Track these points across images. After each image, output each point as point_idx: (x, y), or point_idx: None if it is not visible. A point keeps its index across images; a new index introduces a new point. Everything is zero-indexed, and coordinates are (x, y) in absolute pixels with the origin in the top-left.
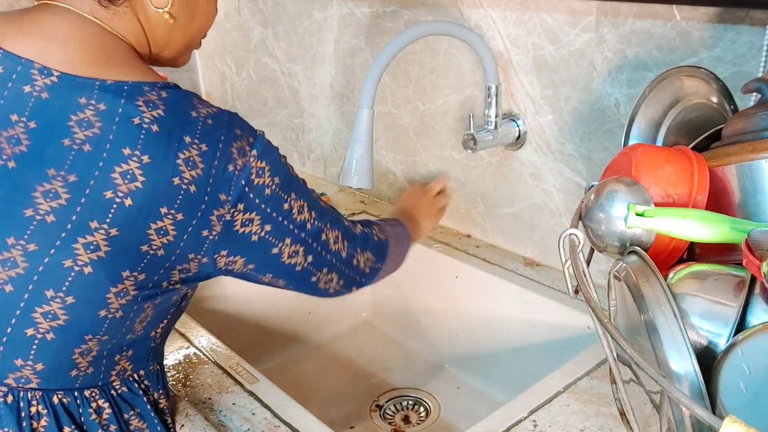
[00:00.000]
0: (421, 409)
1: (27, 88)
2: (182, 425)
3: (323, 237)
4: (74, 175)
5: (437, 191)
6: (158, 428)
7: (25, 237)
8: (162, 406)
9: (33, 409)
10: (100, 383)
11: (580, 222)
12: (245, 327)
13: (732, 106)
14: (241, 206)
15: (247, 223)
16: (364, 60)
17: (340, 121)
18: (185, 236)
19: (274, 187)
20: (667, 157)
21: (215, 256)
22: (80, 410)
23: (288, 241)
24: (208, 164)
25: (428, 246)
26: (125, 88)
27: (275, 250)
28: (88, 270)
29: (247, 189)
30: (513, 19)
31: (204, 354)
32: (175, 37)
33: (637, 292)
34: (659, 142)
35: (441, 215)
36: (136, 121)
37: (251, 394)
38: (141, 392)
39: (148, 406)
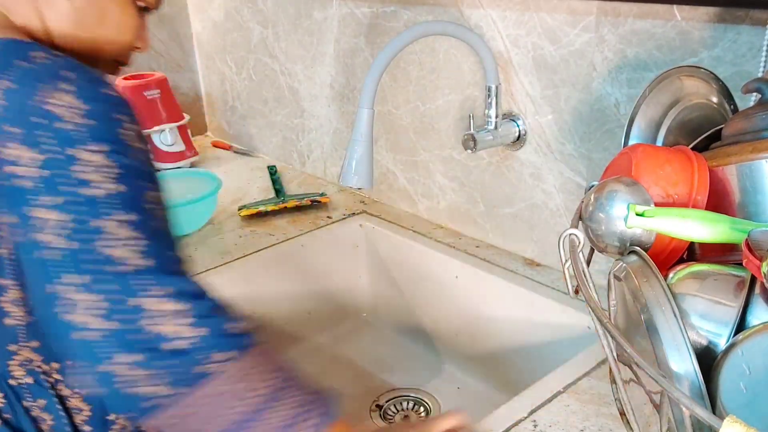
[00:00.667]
0: (421, 409)
1: None
2: None
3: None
4: None
5: None
6: (63, 420)
7: None
8: (71, 404)
9: None
10: None
11: (580, 222)
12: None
13: (732, 106)
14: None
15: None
16: (364, 60)
17: (340, 121)
18: None
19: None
20: (667, 157)
21: None
22: None
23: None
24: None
25: (428, 246)
26: None
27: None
28: None
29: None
30: (513, 19)
31: None
32: (77, 35)
33: (637, 292)
34: (659, 142)
35: None
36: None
37: None
38: (50, 384)
39: (55, 399)
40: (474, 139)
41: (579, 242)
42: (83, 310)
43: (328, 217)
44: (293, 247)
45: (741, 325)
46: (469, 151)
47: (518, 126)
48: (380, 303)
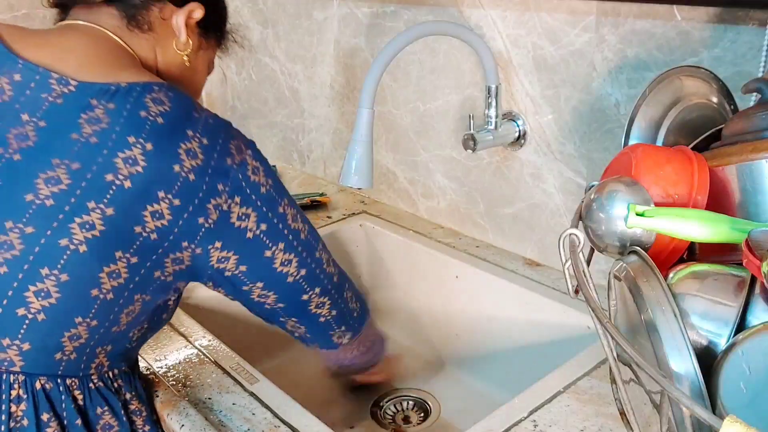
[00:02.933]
0: (421, 409)
1: (44, 95)
2: (182, 425)
3: (317, 254)
4: (78, 163)
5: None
6: (127, 427)
7: (23, 220)
8: (132, 407)
9: (14, 393)
10: (80, 374)
11: (580, 222)
12: (245, 327)
13: (732, 106)
14: (238, 199)
15: (243, 217)
16: (364, 60)
17: (340, 121)
18: (180, 222)
19: (268, 187)
20: (667, 157)
21: (209, 246)
22: (62, 397)
23: (282, 245)
24: (207, 156)
25: (428, 246)
26: (137, 88)
27: (268, 253)
28: (83, 248)
29: (243, 183)
30: (513, 19)
31: (204, 354)
32: (181, 84)
33: (637, 292)
34: (659, 142)
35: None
36: (143, 114)
37: (251, 394)
38: (114, 390)
39: (120, 405)
40: (474, 139)
41: (579, 242)
42: (317, 307)
43: (328, 217)
44: None
45: (741, 325)
46: (469, 151)
47: (518, 126)
48: (380, 303)
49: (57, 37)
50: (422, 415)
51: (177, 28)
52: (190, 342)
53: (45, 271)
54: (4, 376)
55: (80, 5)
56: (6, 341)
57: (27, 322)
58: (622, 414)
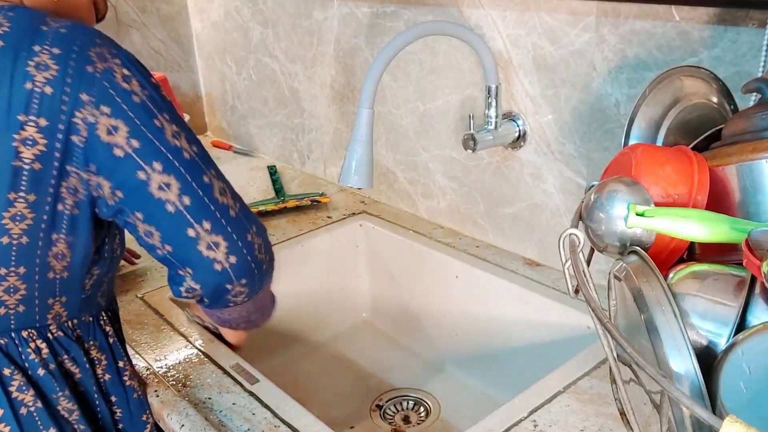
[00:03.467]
0: (421, 409)
1: None
2: (182, 425)
3: (205, 179)
4: None
5: None
6: (89, 373)
7: None
8: (92, 356)
9: None
10: (37, 324)
11: (580, 222)
12: None
13: (732, 106)
14: (106, 109)
15: (112, 130)
16: (364, 60)
17: (340, 121)
18: (57, 143)
19: (143, 96)
20: (667, 157)
21: (85, 169)
22: (19, 350)
23: (158, 165)
24: (62, 65)
25: (428, 246)
26: None
27: (142, 175)
28: None
29: (111, 91)
30: (513, 19)
31: (204, 354)
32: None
33: (637, 292)
34: (659, 142)
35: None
36: None
37: (251, 394)
38: (74, 338)
39: (82, 352)
40: (474, 139)
41: (579, 242)
42: (209, 249)
43: (328, 217)
44: (293, 247)
45: (741, 325)
46: (469, 151)
47: (518, 126)
48: (380, 303)
49: None
50: (422, 415)
51: None
52: (190, 342)
53: None
54: None
55: None
56: None
57: None
58: (622, 414)
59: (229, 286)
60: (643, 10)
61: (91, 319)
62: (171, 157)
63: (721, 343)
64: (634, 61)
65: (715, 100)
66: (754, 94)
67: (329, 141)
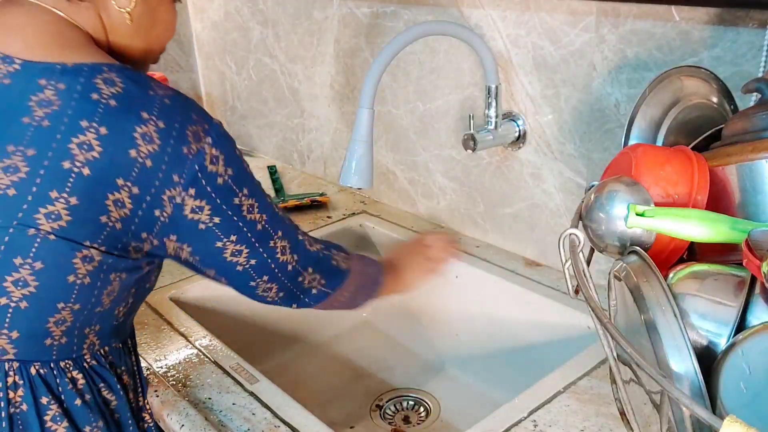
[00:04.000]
0: (421, 409)
1: None
2: (182, 425)
3: (271, 243)
4: (33, 149)
5: (435, 247)
6: (123, 400)
7: None
8: (125, 381)
9: (10, 380)
10: (74, 355)
11: (580, 222)
12: (245, 327)
13: (732, 106)
14: (192, 191)
15: (197, 210)
16: (364, 60)
17: (340, 121)
18: (139, 212)
19: (227, 177)
20: (667, 157)
21: (164, 239)
22: (57, 380)
23: (234, 238)
24: (164, 141)
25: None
26: (84, 69)
27: (219, 244)
28: (52, 237)
29: (199, 174)
30: (513, 19)
31: (204, 354)
32: (135, 43)
33: (637, 292)
34: (659, 142)
35: (430, 274)
36: (95, 96)
37: (251, 394)
38: (108, 366)
39: (115, 379)
40: (474, 139)
41: (579, 242)
42: (264, 291)
43: (328, 217)
44: None
45: (741, 325)
46: (469, 151)
47: (518, 126)
48: (380, 303)
49: None
50: (422, 415)
51: None
52: (190, 342)
53: (18, 260)
54: None
55: None
56: None
57: (10, 310)
58: (622, 414)
59: (281, 306)
60: (643, 10)
61: (120, 345)
62: (246, 230)
63: (721, 343)
64: (634, 61)
65: (715, 100)
66: (754, 94)
67: (329, 141)
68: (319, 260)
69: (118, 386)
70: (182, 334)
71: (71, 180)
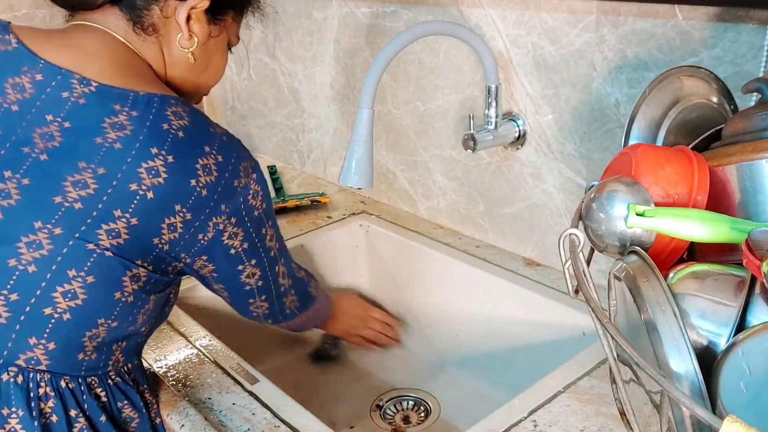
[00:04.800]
0: (421, 409)
1: (65, 94)
2: (182, 425)
3: (277, 269)
4: (103, 168)
5: (377, 325)
6: (146, 418)
7: (53, 221)
8: (147, 399)
9: (41, 391)
10: (100, 372)
11: (580, 222)
12: (245, 327)
13: (732, 106)
14: (233, 220)
15: (233, 236)
16: (364, 60)
17: (340, 121)
18: (186, 236)
19: (261, 210)
20: (667, 157)
21: (197, 258)
22: (83, 396)
23: (254, 261)
24: (220, 173)
25: (428, 246)
26: (155, 99)
27: (240, 267)
28: (108, 254)
29: (242, 206)
30: (513, 19)
31: (204, 354)
32: (189, 79)
33: (637, 292)
34: (659, 142)
35: (355, 340)
36: (165, 126)
37: (251, 394)
38: (131, 383)
39: (138, 397)
40: (474, 139)
41: (579, 242)
42: (256, 308)
43: (328, 217)
44: (293, 247)
45: (741, 325)
46: (469, 151)
47: (518, 126)
48: (380, 303)
49: (74, 39)
50: (422, 415)
51: (179, 25)
52: (190, 342)
53: (72, 272)
54: (32, 375)
55: (85, 9)
56: (33, 340)
57: (53, 321)
58: (622, 414)
59: (260, 322)
60: (643, 9)
61: (140, 363)
62: (263, 256)
63: (721, 343)
64: (634, 61)
65: (715, 100)
66: (754, 94)
67: (329, 141)
68: (300, 285)
69: (141, 404)
70: (182, 334)
71: (135, 201)
